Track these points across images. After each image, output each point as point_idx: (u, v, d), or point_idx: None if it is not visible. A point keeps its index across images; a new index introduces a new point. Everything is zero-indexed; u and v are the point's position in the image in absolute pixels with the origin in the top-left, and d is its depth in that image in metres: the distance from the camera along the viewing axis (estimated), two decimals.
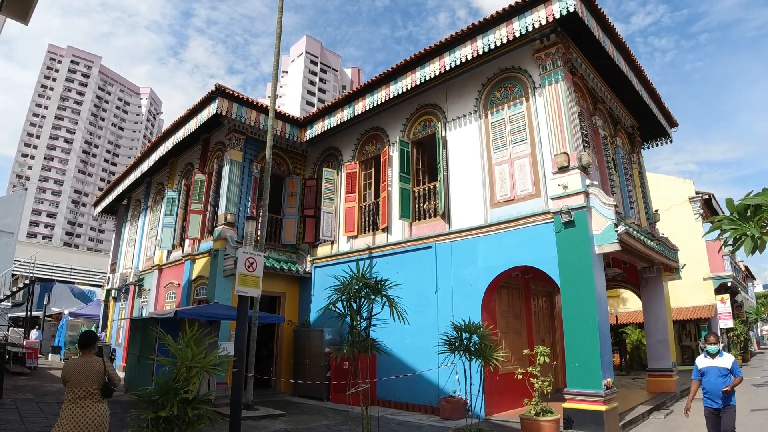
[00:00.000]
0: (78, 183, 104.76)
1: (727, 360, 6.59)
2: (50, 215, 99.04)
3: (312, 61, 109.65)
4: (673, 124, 16.57)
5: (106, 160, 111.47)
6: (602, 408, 8.67)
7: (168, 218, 17.50)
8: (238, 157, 15.21)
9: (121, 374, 15.99)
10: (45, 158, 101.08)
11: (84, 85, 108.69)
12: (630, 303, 26.48)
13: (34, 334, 21.72)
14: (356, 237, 14.82)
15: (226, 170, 15.03)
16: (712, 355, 6.71)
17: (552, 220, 10.10)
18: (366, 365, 10.75)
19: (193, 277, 15.28)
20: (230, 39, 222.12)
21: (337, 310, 7.46)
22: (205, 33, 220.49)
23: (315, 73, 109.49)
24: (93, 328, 22.63)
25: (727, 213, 6.72)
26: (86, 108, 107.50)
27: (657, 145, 17.37)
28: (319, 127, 15.68)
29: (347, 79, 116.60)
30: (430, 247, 12.45)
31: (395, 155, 13.97)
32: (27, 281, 23.07)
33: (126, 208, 25.32)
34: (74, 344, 21.61)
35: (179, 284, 16.16)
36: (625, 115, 15.56)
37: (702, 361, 6.80)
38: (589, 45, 11.51)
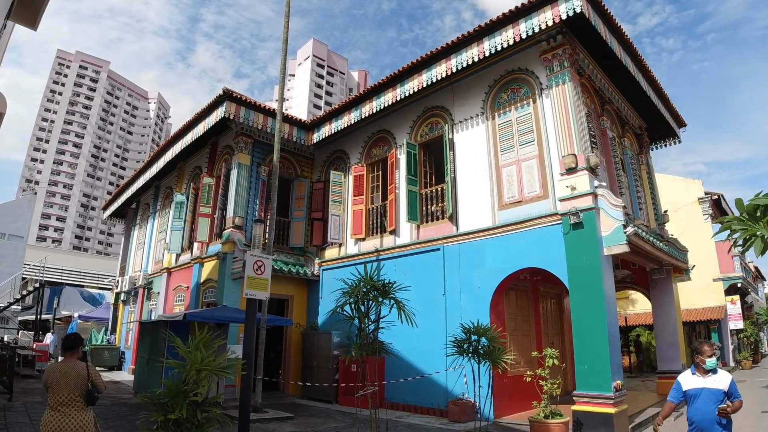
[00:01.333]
0: (87, 187, 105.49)
1: (723, 379, 4.81)
2: (60, 219, 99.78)
3: (319, 65, 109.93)
4: (681, 124, 16.47)
5: (114, 164, 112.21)
6: (612, 410, 8.61)
7: (177, 221, 17.59)
8: (246, 161, 15.27)
9: (131, 377, 16.08)
10: (54, 163, 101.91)
11: (92, 90, 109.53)
12: (639, 304, 26.31)
13: (49, 338, 21.59)
14: (364, 239, 14.83)
15: (234, 174, 15.10)
16: (705, 372, 4.88)
17: (560, 221, 10.06)
18: (374, 368, 10.77)
19: (202, 280, 15.34)
20: (237, 43, 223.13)
21: (345, 312, 7.48)
22: (212, 38, 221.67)
23: (322, 77, 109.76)
24: (102, 332, 22.74)
25: (737, 213, 6.68)
26: (95, 113, 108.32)
27: (665, 145, 17.26)
28: (326, 130, 15.72)
29: (354, 82, 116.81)
30: (438, 249, 12.43)
31: (402, 158, 13.97)
32: (37, 285, 23.24)
33: (135, 212, 25.48)
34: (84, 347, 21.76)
35: (188, 287, 16.23)
36: (633, 116, 15.49)
37: (689, 380, 5.00)
38: (596, 46, 11.46)
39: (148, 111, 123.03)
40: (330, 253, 15.82)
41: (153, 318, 18.12)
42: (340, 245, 15.55)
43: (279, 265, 14.74)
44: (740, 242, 9.38)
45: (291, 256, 15.97)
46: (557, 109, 10.70)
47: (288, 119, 15.84)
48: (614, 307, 9.78)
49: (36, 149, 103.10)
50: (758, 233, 6.47)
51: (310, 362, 14.10)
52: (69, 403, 4.77)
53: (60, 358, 21.91)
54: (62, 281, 31.33)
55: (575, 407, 9.12)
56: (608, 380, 8.83)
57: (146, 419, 4.51)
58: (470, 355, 8.29)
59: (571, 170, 10.07)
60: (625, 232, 9.32)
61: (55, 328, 24.52)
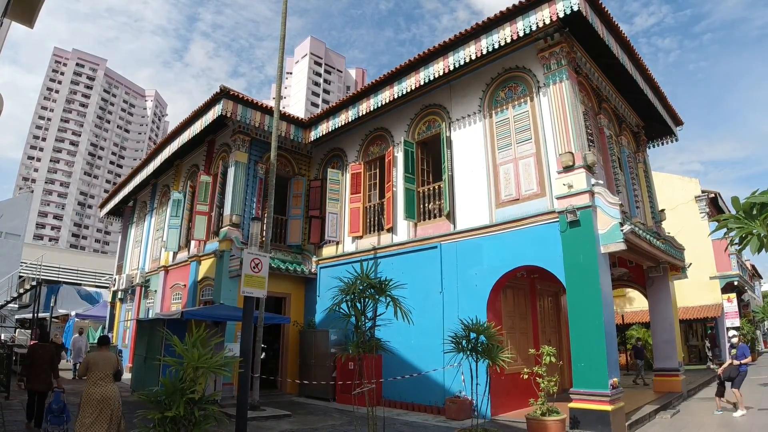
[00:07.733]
0: (84, 185, 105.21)
1: None
2: (56, 217, 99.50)
3: (316, 62, 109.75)
4: (678, 122, 16.49)
5: (111, 162, 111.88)
6: (608, 408, 8.64)
7: (174, 220, 17.56)
8: (243, 159, 15.25)
9: (128, 375, 16.06)
10: (51, 161, 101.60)
11: (89, 87, 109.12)
12: (636, 302, 26.36)
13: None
14: (361, 237, 14.83)
15: (231, 171, 15.08)
16: None
17: (557, 219, 10.07)
18: (371, 365, 10.77)
19: (199, 278, 15.33)
20: (235, 43, 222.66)
21: (341, 310, 7.47)
22: (210, 37, 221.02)
23: (319, 74, 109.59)
24: (100, 330, 22.70)
25: (733, 212, 6.70)
26: (92, 110, 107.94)
27: (662, 144, 17.29)
28: (323, 128, 15.71)
29: (351, 80, 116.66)
30: (435, 247, 12.44)
31: (400, 156, 13.97)
32: (34, 283, 23.13)
33: (132, 210, 25.43)
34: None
35: (185, 285, 16.21)
36: (630, 114, 15.51)
37: None
38: (594, 44, 11.46)
39: (145, 109, 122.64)
40: (327, 251, 15.81)
41: (150, 316, 18.09)
42: (337, 243, 15.55)
43: (276, 263, 14.73)
44: (736, 240, 9.41)
45: (288, 254, 15.95)
46: (554, 108, 10.71)
47: (285, 117, 15.82)
48: (611, 305, 9.80)
49: (33, 147, 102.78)
50: (754, 231, 6.49)
51: (307, 360, 14.11)
52: (105, 378, 6.69)
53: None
54: (59, 280, 31.22)
55: (572, 404, 9.15)
56: (605, 378, 8.86)
57: (143, 417, 4.52)
58: (468, 352, 8.30)
59: (568, 168, 10.08)
60: (621, 230, 9.34)
61: (51, 326, 24.37)
